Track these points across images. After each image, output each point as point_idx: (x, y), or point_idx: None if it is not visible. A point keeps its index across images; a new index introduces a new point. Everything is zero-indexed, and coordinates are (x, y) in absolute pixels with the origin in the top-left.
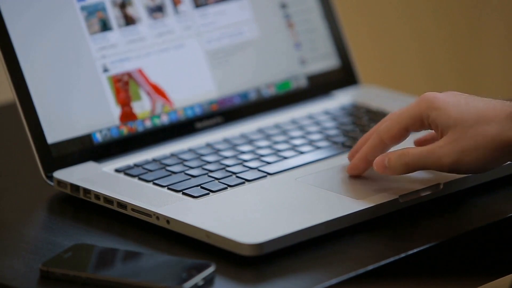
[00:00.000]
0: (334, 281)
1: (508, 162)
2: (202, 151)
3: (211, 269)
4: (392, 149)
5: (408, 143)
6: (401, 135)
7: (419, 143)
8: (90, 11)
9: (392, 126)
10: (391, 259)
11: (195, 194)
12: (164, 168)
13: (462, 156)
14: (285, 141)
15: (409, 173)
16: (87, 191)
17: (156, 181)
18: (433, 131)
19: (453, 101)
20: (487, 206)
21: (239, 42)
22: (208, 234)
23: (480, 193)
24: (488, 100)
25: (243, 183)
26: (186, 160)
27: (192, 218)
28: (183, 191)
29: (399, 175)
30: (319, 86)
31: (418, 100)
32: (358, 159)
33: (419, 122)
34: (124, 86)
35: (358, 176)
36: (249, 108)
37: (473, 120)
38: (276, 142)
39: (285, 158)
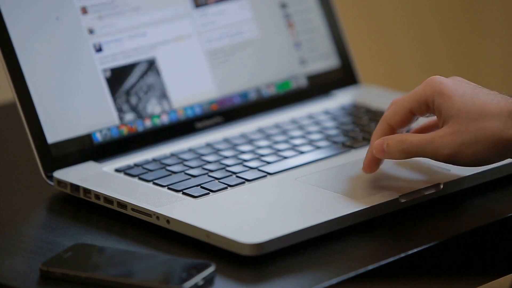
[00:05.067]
0: (334, 281)
1: (508, 161)
2: (202, 151)
3: (211, 269)
4: None
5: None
6: (407, 119)
7: (416, 132)
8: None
9: (397, 110)
10: (391, 259)
11: (195, 194)
12: (164, 168)
13: (461, 149)
14: (285, 141)
15: (406, 159)
16: (87, 191)
17: (156, 181)
18: (433, 119)
19: (459, 90)
20: (487, 206)
21: (239, 42)
22: (208, 234)
23: (480, 193)
24: (493, 94)
25: (243, 183)
26: (186, 160)
27: (192, 218)
28: (183, 191)
29: (397, 159)
30: (319, 86)
31: (424, 84)
32: (370, 152)
33: (425, 106)
34: None
35: (358, 176)
36: (249, 108)
37: (476, 113)
38: (276, 142)
39: (285, 158)
